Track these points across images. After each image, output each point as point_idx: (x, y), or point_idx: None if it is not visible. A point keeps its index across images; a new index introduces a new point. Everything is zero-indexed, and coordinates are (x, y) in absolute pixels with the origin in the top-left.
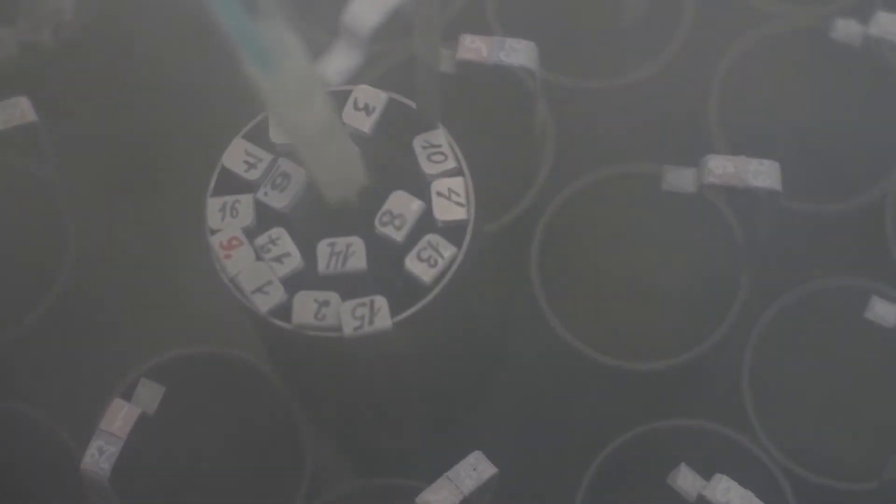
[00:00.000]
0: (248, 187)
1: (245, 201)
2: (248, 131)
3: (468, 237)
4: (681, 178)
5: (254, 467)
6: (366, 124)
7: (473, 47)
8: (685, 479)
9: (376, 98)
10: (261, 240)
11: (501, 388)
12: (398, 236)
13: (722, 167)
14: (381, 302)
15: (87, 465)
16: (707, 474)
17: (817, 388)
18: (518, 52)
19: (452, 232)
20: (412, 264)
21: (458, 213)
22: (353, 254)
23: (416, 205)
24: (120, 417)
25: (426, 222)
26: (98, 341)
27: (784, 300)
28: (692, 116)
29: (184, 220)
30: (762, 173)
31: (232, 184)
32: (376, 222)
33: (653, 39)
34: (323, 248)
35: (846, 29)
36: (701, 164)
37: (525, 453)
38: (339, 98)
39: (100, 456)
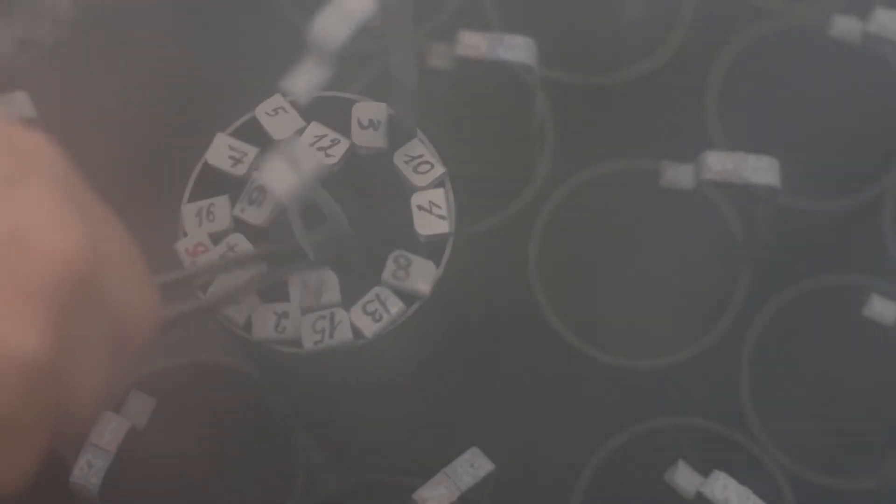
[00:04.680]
0: (235, 184)
1: (220, 203)
2: (233, 130)
3: (447, 251)
4: (679, 175)
5: (246, 472)
6: (380, 139)
7: (472, 43)
8: (683, 476)
9: (378, 111)
10: (219, 248)
11: (499, 384)
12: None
13: (720, 164)
14: (341, 315)
15: (76, 480)
16: (705, 472)
17: (815, 385)
18: (516, 48)
19: (433, 245)
20: (357, 318)
21: (441, 227)
22: (327, 289)
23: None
24: (109, 431)
25: (408, 237)
26: None
27: (782, 297)
28: (690, 113)
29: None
30: (761, 170)
31: (214, 184)
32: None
33: (651, 36)
34: (295, 283)
35: (845, 26)
36: (699, 161)
37: (523, 449)
38: (344, 107)
39: (89, 470)
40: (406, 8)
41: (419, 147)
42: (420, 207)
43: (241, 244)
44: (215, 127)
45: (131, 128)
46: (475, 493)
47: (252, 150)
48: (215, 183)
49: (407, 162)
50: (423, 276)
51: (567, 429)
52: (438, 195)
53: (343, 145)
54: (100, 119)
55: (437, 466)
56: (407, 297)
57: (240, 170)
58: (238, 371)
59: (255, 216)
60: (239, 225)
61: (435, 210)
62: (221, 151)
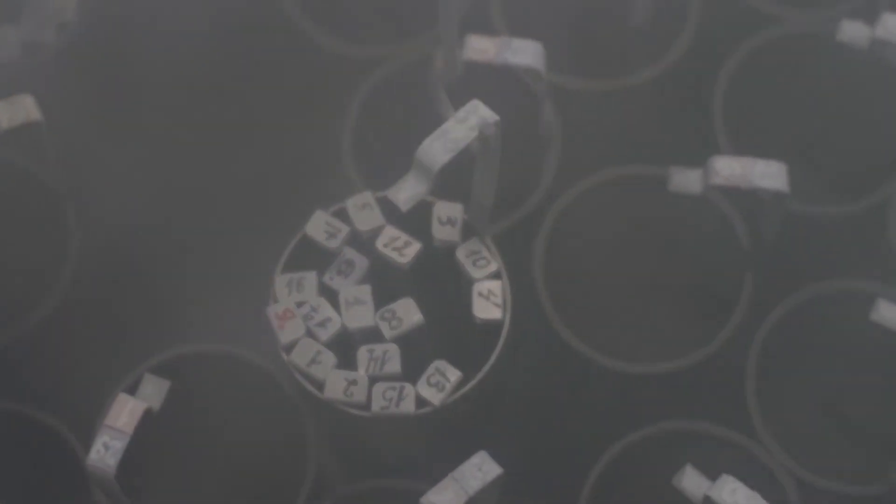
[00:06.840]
0: (321, 259)
1: (308, 278)
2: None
3: (503, 338)
4: (687, 179)
5: (257, 467)
6: (455, 234)
7: (480, 47)
8: (691, 480)
9: (454, 210)
10: (303, 309)
11: (506, 388)
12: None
13: (728, 168)
14: (409, 389)
15: (92, 462)
16: (712, 476)
17: (822, 390)
18: (525, 53)
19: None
20: (423, 390)
21: (495, 313)
22: (389, 359)
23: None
24: (125, 412)
25: (465, 320)
26: (102, 341)
27: (789, 302)
28: (698, 117)
29: (191, 212)
30: (769, 175)
31: (301, 259)
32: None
33: (659, 41)
34: (362, 353)
35: (852, 31)
36: (707, 166)
37: (530, 454)
38: (424, 209)
39: (105, 452)
40: (499, 142)
41: (479, 244)
42: (480, 294)
43: (323, 307)
44: (229, 113)
45: (146, 127)
46: (483, 497)
47: (344, 228)
48: (301, 258)
49: (467, 256)
50: (410, 311)
51: (574, 433)
52: (497, 286)
53: (414, 247)
54: (108, 121)
55: (445, 470)
56: (407, 337)
57: (333, 243)
58: (257, 364)
59: (342, 286)
60: (326, 292)
61: (492, 298)
62: (319, 225)
